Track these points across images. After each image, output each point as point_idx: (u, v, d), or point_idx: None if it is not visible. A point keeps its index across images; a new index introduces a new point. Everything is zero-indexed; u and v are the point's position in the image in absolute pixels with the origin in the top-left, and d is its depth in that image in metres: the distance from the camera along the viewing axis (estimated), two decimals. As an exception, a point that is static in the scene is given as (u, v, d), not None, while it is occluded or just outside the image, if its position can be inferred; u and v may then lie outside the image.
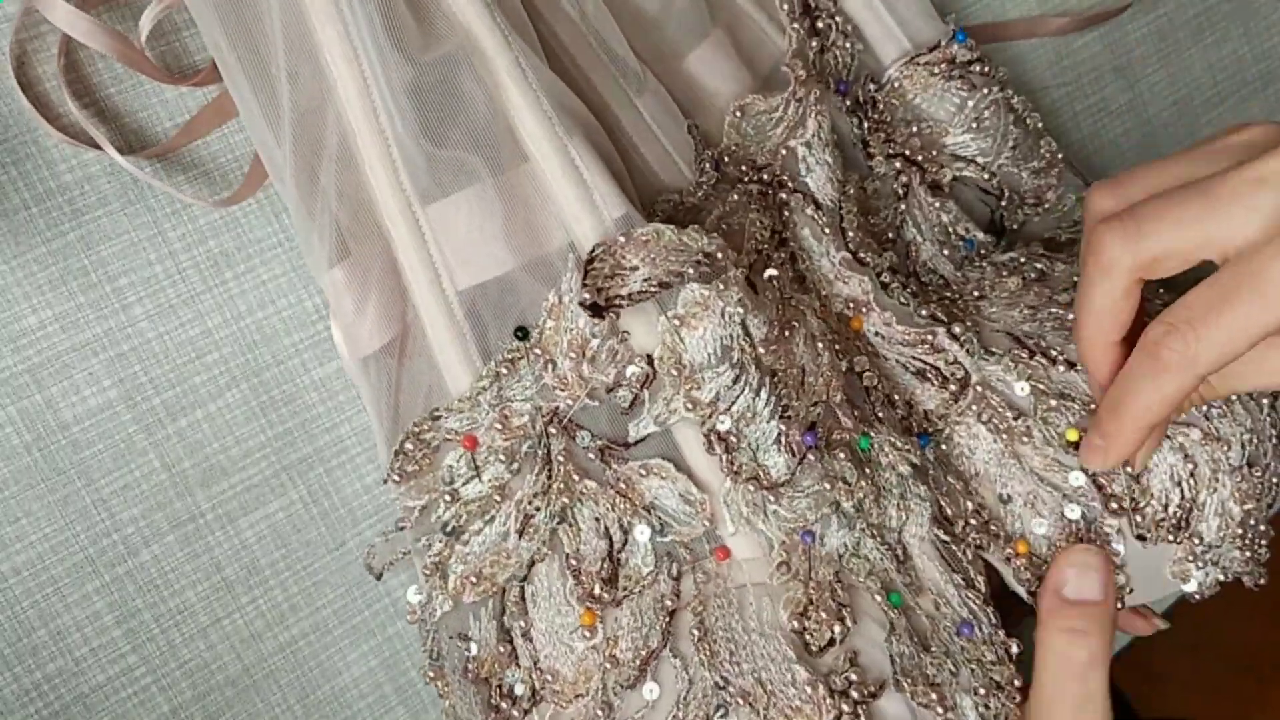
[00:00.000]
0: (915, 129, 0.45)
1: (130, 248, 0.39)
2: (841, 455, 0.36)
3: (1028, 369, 0.39)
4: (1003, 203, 0.46)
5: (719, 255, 0.35)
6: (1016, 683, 0.37)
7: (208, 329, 0.40)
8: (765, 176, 0.42)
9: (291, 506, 0.42)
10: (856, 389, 0.39)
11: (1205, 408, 0.38)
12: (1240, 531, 0.38)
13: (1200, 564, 0.39)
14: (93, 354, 0.38)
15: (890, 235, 0.44)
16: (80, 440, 0.39)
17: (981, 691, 0.36)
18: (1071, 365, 0.39)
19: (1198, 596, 0.39)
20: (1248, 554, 0.39)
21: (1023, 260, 0.44)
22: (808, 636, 0.34)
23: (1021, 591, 0.39)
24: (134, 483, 0.39)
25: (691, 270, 0.35)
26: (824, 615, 0.35)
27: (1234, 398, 0.38)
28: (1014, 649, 0.38)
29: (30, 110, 0.36)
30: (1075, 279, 0.42)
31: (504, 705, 0.36)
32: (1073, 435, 0.38)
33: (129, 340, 0.39)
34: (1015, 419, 0.39)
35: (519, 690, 0.36)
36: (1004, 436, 0.39)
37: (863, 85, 0.45)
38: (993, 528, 0.39)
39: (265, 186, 0.40)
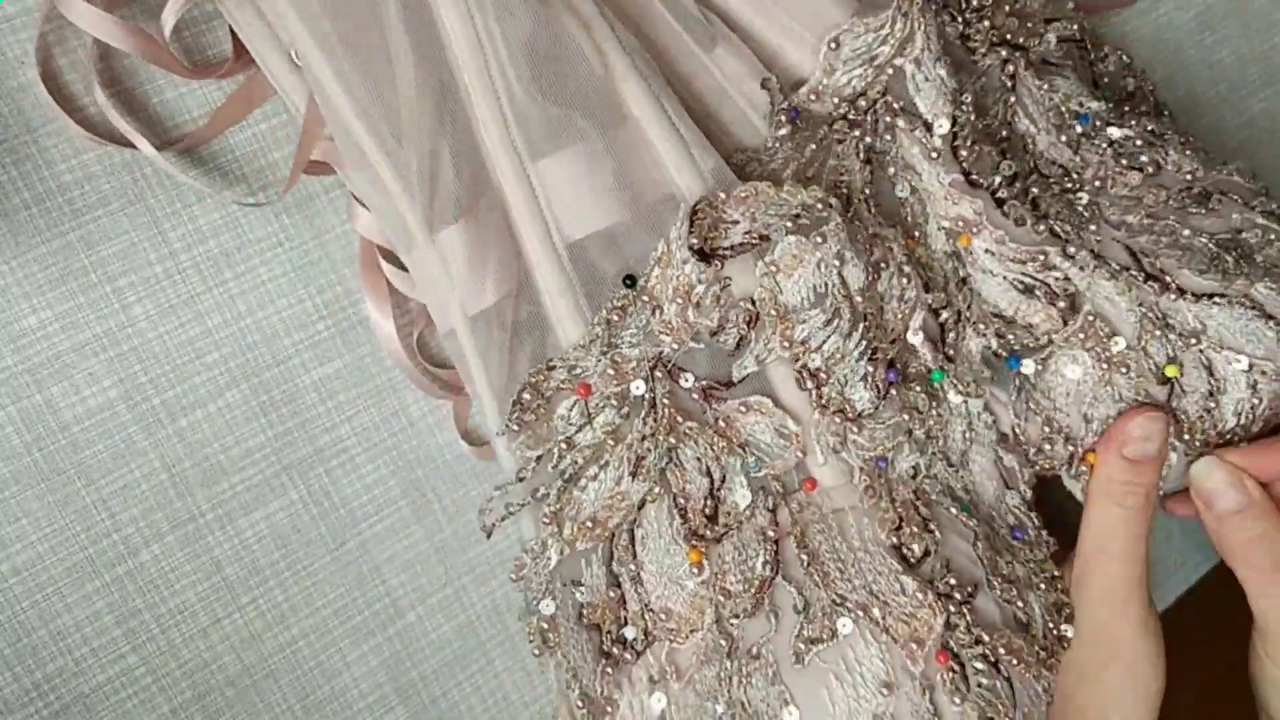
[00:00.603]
0: (1009, 6, 0.44)
1: (130, 248, 0.39)
2: (917, 387, 0.39)
3: (1139, 293, 0.40)
4: (1092, 54, 0.46)
5: (819, 207, 0.37)
6: (1061, 581, 0.41)
7: (208, 329, 0.40)
8: (863, 103, 0.41)
9: (291, 506, 0.42)
10: (934, 325, 0.40)
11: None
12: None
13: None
14: (93, 354, 0.38)
15: (1004, 133, 0.43)
16: (80, 440, 0.39)
17: (1042, 587, 0.40)
18: (1183, 293, 0.40)
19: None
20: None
21: (1138, 143, 0.43)
22: (904, 550, 0.37)
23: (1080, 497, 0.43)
24: (134, 483, 0.39)
25: (790, 224, 0.36)
26: (914, 529, 0.38)
27: None
28: (1054, 546, 0.42)
29: (58, 111, 0.36)
30: (1190, 171, 0.43)
31: (615, 650, 0.38)
32: (1171, 371, 0.40)
33: (129, 340, 0.39)
34: (1116, 349, 0.40)
35: (630, 634, 0.38)
36: (1103, 365, 0.40)
37: None
38: (1069, 448, 0.42)
39: (264, 186, 0.40)
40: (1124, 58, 0.48)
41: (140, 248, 0.39)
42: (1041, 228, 0.40)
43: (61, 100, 0.37)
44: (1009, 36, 0.44)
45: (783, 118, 0.40)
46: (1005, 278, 0.41)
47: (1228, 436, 0.41)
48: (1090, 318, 0.40)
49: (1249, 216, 0.42)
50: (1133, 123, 0.44)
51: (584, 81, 0.37)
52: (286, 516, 0.42)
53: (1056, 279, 0.40)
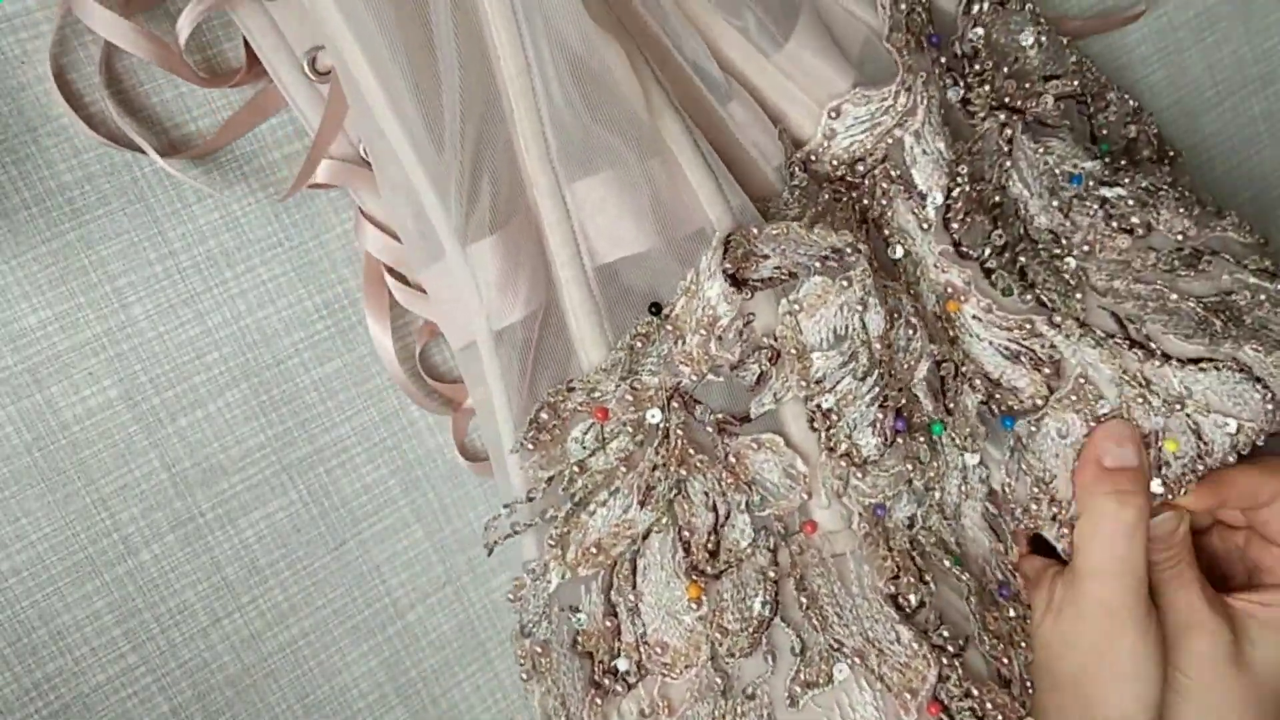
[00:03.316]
0: (1007, 69, 0.44)
1: (130, 248, 0.39)
2: (920, 438, 0.39)
3: (1122, 361, 0.40)
4: (1091, 108, 0.46)
5: (848, 251, 0.37)
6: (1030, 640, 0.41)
7: (208, 329, 0.40)
8: (861, 169, 0.42)
9: (291, 506, 0.42)
10: (935, 377, 0.40)
11: (1271, 405, 0.40)
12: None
13: None
14: (93, 354, 0.38)
15: (997, 199, 0.43)
16: (80, 440, 0.39)
17: (1023, 645, 0.40)
18: (1168, 359, 0.40)
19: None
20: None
21: (1130, 203, 0.44)
22: (900, 600, 0.37)
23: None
24: (134, 483, 0.39)
25: (818, 264, 0.37)
26: (911, 580, 0.38)
27: None
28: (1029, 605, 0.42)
29: (61, 110, 0.37)
30: (1181, 232, 0.44)
31: (606, 681, 0.38)
32: (1171, 446, 0.40)
33: (129, 340, 0.39)
34: (1102, 412, 0.41)
35: (623, 666, 0.37)
36: (1091, 426, 0.41)
37: (960, 36, 0.44)
38: (1053, 510, 0.41)
39: (264, 186, 0.40)
40: (1128, 102, 0.48)
41: (140, 247, 0.39)
42: (1029, 297, 0.41)
43: (72, 101, 0.37)
44: (1006, 99, 0.44)
45: (797, 169, 0.40)
46: (992, 343, 0.41)
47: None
48: (1080, 380, 0.41)
49: (1239, 276, 0.42)
50: (1127, 180, 0.45)
51: (626, 108, 0.37)
52: (286, 516, 0.42)
53: (1042, 346, 0.41)
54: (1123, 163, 0.46)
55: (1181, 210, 0.44)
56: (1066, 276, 0.43)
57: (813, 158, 0.41)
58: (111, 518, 0.39)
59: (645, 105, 0.37)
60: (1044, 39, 0.45)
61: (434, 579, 0.44)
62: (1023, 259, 0.43)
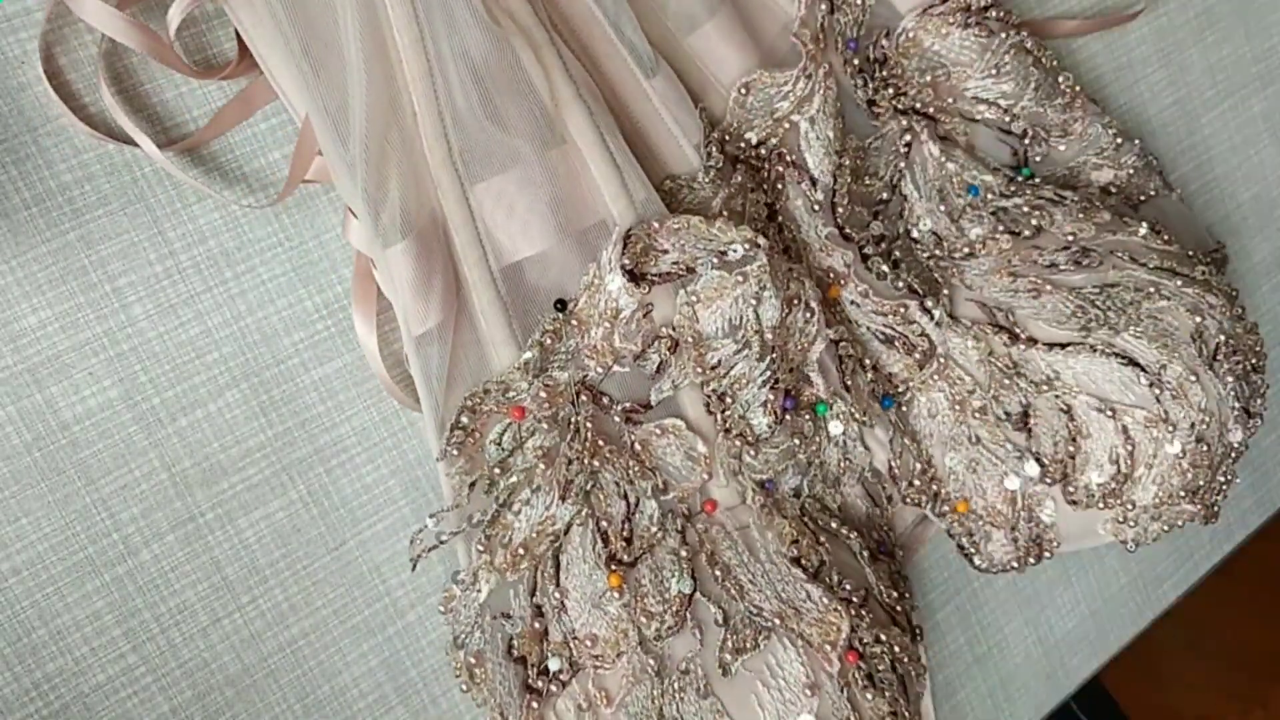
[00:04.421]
0: (930, 78, 0.45)
1: (130, 248, 0.39)
2: (805, 415, 0.41)
3: (988, 344, 0.42)
4: (1025, 140, 0.47)
5: (746, 246, 0.38)
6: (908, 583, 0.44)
7: (208, 329, 0.40)
8: (763, 151, 0.43)
9: (291, 506, 0.42)
10: (832, 356, 0.42)
11: (1158, 390, 0.41)
12: (1184, 494, 0.42)
13: (1133, 523, 0.43)
14: (93, 354, 0.38)
15: (885, 195, 0.45)
16: (80, 440, 0.39)
17: (908, 595, 0.43)
18: (1034, 342, 0.42)
19: (1132, 547, 0.43)
20: (1198, 506, 0.42)
21: (1025, 210, 0.45)
22: (804, 561, 0.39)
23: (954, 542, 0.45)
24: (134, 483, 0.39)
25: (715, 260, 0.38)
26: (809, 543, 0.40)
27: (1196, 375, 0.41)
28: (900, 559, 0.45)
29: (59, 110, 0.36)
30: (1072, 233, 0.44)
31: (540, 683, 0.38)
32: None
33: (129, 340, 0.39)
34: (970, 392, 0.43)
35: (554, 666, 0.38)
36: (958, 407, 0.43)
37: (874, 42, 0.45)
38: (934, 486, 0.44)
39: (263, 186, 0.40)
40: (1112, 139, 0.49)
41: (140, 247, 0.39)
42: (900, 284, 0.43)
43: (65, 98, 0.37)
44: (918, 105, 0.46)
45: (714, 148, 0.42)
46: (868, 329, 0.44)
47: (1119, 480, 0.42)
48: (942, 359, 0.43)
49: (1130, 272, 0.43)
50: (1027, 192, 0.46)
51: (528, 106, 0.37)
52: (286, 516, 0.42)
53: (915, 332, 0.43)
54: (1035, 180, 0.47)
55: (1081, 216, 0.45)
56: (935, 276, 0.44)
57: (727, 137, 0.43)
58: (111, 518, 0.39)
59: (550, 98, 0.38)
60: (999, 67, 0.45)
61: (434, 579, 0.44)
62: (896, 253, 0.44)
